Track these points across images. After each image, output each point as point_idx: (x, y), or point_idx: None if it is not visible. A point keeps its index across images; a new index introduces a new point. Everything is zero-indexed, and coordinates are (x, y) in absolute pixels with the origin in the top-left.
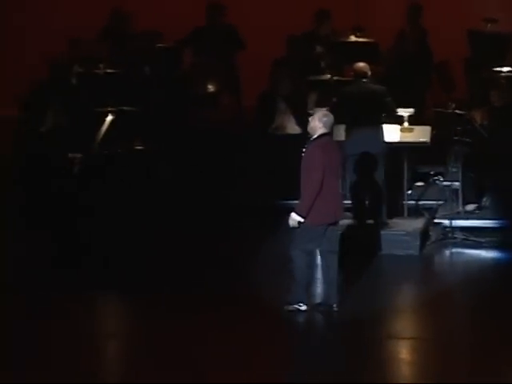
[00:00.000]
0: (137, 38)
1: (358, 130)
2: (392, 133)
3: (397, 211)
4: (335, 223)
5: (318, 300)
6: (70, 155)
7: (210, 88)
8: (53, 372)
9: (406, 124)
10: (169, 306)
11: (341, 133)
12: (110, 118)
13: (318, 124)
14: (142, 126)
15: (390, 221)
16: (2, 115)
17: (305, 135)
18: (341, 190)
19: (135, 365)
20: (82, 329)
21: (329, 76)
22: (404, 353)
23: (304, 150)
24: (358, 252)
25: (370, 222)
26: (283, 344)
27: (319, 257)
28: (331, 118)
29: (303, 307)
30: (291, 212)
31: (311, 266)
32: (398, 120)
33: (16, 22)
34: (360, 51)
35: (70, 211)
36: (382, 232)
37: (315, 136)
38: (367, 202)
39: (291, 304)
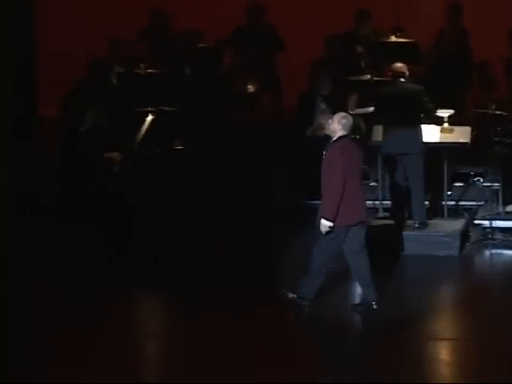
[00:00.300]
0: (177, 38)
1: (396, 130)
2: (432, 133)
3: (436, 212)
4: (360, 223)
5: (357, 301)
6: (106, 155)
7: (250, 88)
8: (92, 371)
9: (446, 124)
10: (206, 305)
11: (379, 133)
12: (150, 117)
13: (337, 126)
14: (183, 126)
15: (429, 221)
16: (47, 115)
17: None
18: (380, 191)
19: (174, 365)
20: (122, 328)
21: (369, 76)
22: (444, 353)
23: (324, 152)
24: (397, 252)
25: (410, 222)
26: (319, 344)
27: (349, 258)
28: (350, 119)
29: (304, 303)
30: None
31: (330, 268)
32: (437, 120)
33: (58, 22)
34: (400, 51)
35: (109, 211)
36: (422, 233)
37: (335, 138)
38: (406, 203)
39: (296, 295)
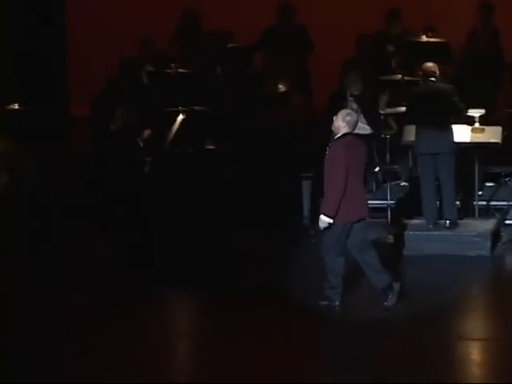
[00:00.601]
0: (208, 37)
1: (427, 130)
2: (463, 133)
3: (468, 212)
4: (361, 220)
5: (384, 299)
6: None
7: (281, 88)
8: (123, 371)
9: (477, 124)
10: (237, 304)
11: (412, 133)
12: (181, 117)
13: (341, 123)
14: (214, 126)
15: (460, 221)
16: (77, 115)
17: (374, 135)
18: (410, 190)
19: (204, 364)
20: (152, 328)
21: (400, 76)
22: (475, 354)
23: (327, 149)
24: (429, 252)
25: (441, 222)
26: (353, 344)
27: (353, 253)
28: (354, 117)
29: (334, 305)
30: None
31: (344, 265)
32: (468, 120)
33: (89, 22)
34: (431, 51)
35: (140, 211)
36: (453, 233)
37: (339, 135)
38: (438, 203)
39: (327, 301)
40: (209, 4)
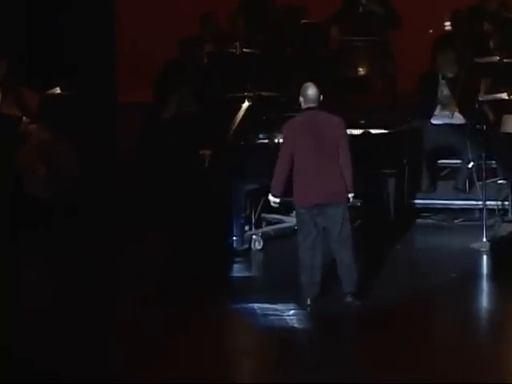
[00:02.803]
0: (277, 13)
1: None
2: None
3: None
4: (337, 203)
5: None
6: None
7: (361, 71)
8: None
9: None
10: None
11: (510, 123)
12: (246, 104)
13: (301, 98)
14: (282, 113)
15: None
16: (126, 102)
17: (467, 125)
18: (510, 189)
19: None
20: (219, 343)
21: (497, 58)
22: None
23: None
24: None
25: None
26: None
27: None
28: (314, 90)
29: (308, 302)
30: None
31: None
32: None
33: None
34: None
35: (201, 207)
36: None
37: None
38: None
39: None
40: None
